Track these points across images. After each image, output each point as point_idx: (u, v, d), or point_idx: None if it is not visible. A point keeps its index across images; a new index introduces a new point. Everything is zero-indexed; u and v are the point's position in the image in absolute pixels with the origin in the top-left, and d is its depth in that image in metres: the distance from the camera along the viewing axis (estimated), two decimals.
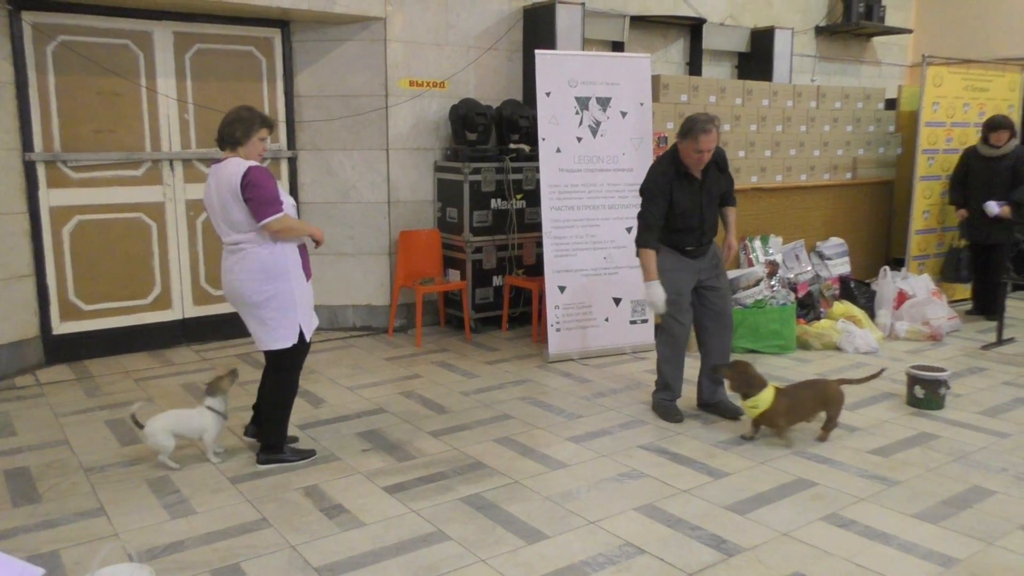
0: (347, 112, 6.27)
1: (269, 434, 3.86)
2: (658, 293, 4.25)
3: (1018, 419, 4.42)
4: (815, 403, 4.10)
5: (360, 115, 6.27)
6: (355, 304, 6.55)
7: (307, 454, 3.92)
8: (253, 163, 3.60)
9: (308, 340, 3.82)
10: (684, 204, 4.29)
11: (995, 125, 6.51)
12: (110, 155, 5.61)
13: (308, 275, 3.80)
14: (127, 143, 5.68)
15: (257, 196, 3.52)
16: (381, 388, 5.08)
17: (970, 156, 6.73)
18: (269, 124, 3.70)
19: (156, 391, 4.99)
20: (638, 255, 4.33)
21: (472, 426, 4.38)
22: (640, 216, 4.37)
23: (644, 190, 4.37)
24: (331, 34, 6.21)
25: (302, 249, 3.77)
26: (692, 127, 4.14)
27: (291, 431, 4.08)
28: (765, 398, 4.01)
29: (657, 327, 5.51)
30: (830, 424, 4.12)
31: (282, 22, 6.13)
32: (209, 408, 3.83)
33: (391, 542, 3.10)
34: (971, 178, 6.67)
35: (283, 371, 3.81)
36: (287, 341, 3.72)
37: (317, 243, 3.87)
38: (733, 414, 4.44)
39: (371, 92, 6.25)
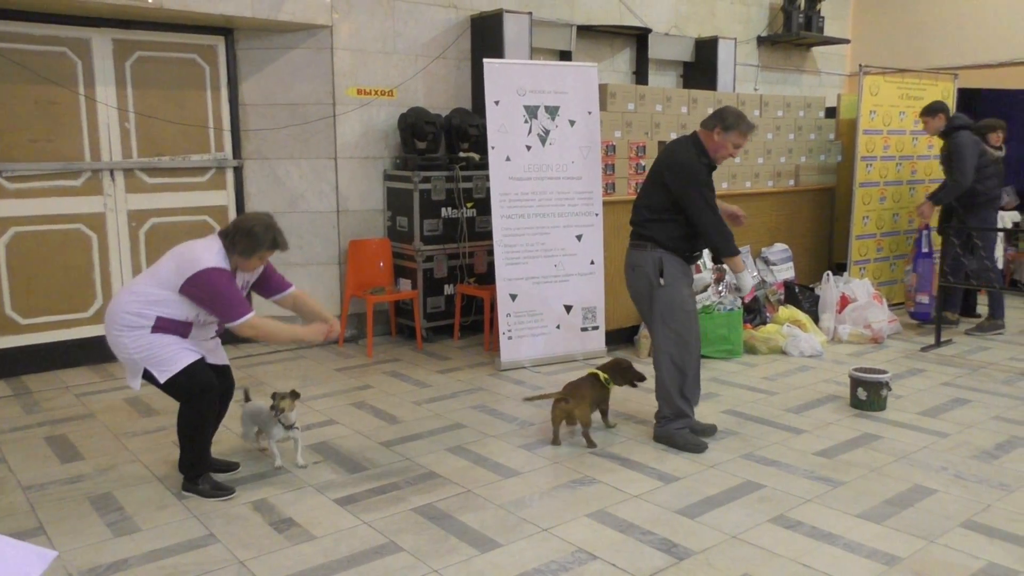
0: (294, 121, 6.21)
1: (182, 464, 3.64)
2: (749, 283, 4.16)
3: (956, 419, 4.55)
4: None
5: (307, 124, 6.21)
6: None
7: (225, 491, 3.59)
8: (216, 265, 3.36)
9: (206, 364, 3.56)
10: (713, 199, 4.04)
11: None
12: (48, 165, 5.46)
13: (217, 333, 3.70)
14: (65, 153, 5.53)
15: (218, 302, 3.37)
16: (331, 399, 5.02)
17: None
18: (278, 247, 3.46)
19: (98, 407, 4.86)
20: (721, 262, 4.05)
21: (424, 436, 4.35)
22: (705, 220, 3.95)
23: (691, 185, 3.95)
24: (276, 42, 6.14)
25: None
26: (738, 120, 3.93)
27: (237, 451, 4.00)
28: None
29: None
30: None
31: (226, 30, 6.04)
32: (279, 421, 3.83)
33: (342, 555, 3.06)
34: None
35: (183, 402, 3.55)
36: (172, 369, 3.45)
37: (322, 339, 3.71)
38: (704, 433, 4.25)
39: (318, 100, 6.20)
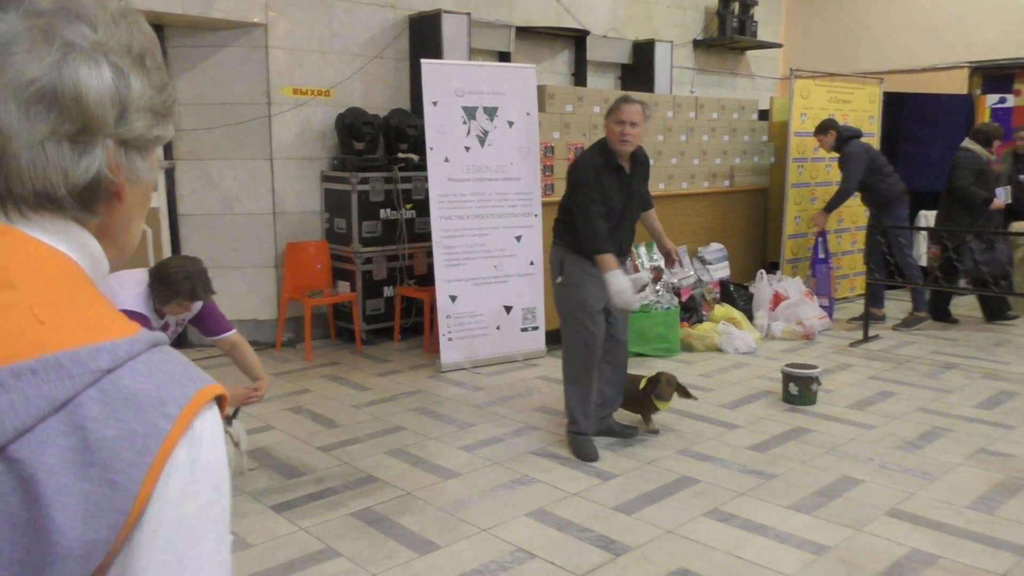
0: (228, 121, 6.10)
1: None
2: (622, 281, 3.89)
3: (883, 411, 4.71)
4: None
5: (242, 124, 6.11)
6: (240, 319, 6.35)
7: None
8: (127, 308, 3.20)
9: None
10: (612, 200, 3.96)
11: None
12: None
13: None
14: None
15: None
16: (268, 405, 4.94)
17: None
18: (198, 298, 3.33)
19: None
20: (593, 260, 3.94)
21: (363, 439, 4.32)
22: (581, 217, 3.92)
23: (573, 184, 4.02)
24: (209, 40, 6.02)
25: None
26: (616, 100, 3.98)
27: None
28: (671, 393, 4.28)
29: (555, 335, 5.56)
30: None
31: (156, 26, 5.88)
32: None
33: (278, 562, 3.02)
34: None
35: None
36: None
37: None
38: (626, 435, 4.29)
39: (253, 100, 6.10)
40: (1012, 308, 7.12)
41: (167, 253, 6.16)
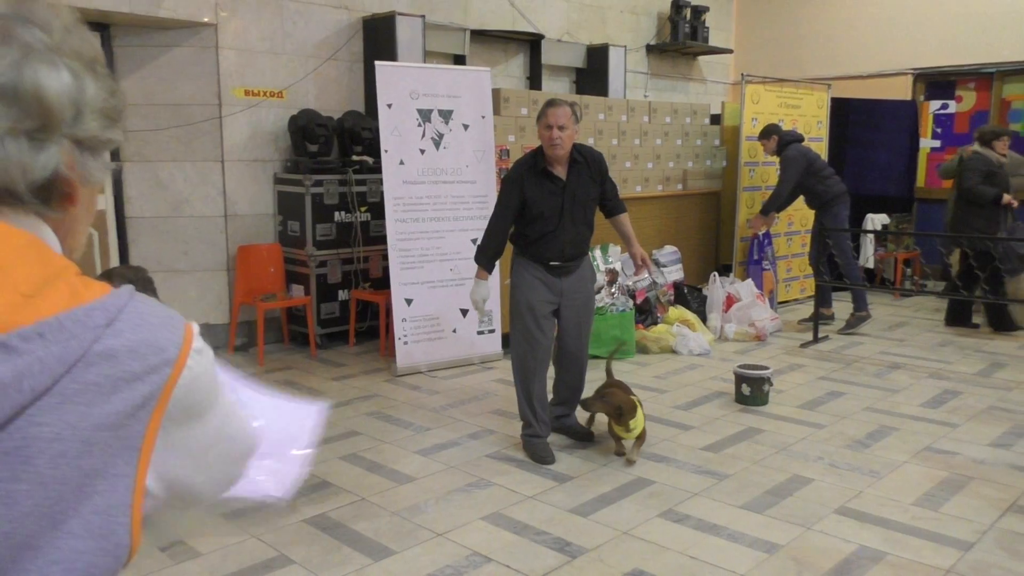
0: (177, 122, 5.98)
1: None
2: (483, 291, 4.01)
3: (832, 411, 4.80)
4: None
5: (191, 125, 6.00)
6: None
7: None
8: None
9: None
10: (540, 205, 3.90)
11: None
12: None
13: None
14: None
15: None
16: None
17: None
18: None
19: None
20: (543, 264, 4.01)
21: (317, 445, 4.25)
22: (489, 224, 4.06)
23: (500, 191, 4.09)
24: (157, 39, 5.90)
25: None
26: (543, 106, 3.90)
27: None
28: (639, 420, 3.93)
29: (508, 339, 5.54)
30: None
31: (101, 25, 5.77)
32: None
33: (229, 571, 2.97)
34: None
35: None
36: None
37: None
38: (583, 436, 4.28)
39: (203, 101, 5.99)
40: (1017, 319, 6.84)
41: (114, 256, 6.02)
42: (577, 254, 4.08)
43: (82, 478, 0.68)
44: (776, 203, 6.97)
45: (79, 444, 0.67)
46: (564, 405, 4.33)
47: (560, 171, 3.97)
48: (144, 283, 3.18)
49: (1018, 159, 7.13)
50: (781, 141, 6.90)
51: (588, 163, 4.01)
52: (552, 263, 4.00)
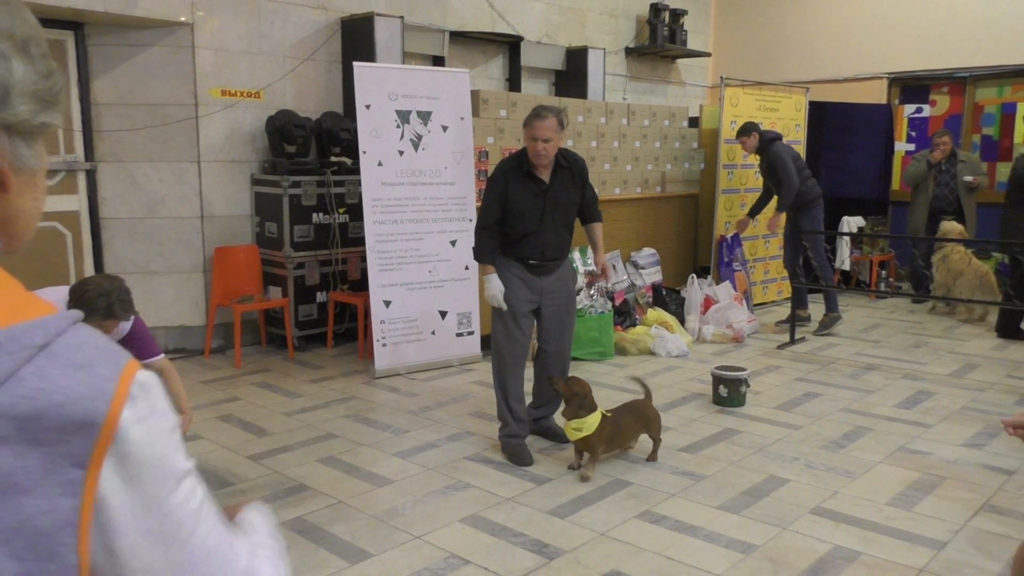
0: (153, 122, 5.93)
1: None
2: (497, 284, 3.98)
3: (808, 412, 4.84)
4: (636, 427, 4.00)
5: (167, 125, 5.94)
6: (167, 326, 6.18)
7: None
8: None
9: None
10: (521, 205, 3.95)
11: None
12: None
13: None
14: None
15: None
16: (196, 413, 4.80)
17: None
18: (114, 317, 3.11)
19: None
20: (523, 262, 4.07)
21: (294, 448, 4.24)
22: (477, 222, 4.12)
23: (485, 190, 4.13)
24: (132, 38, 5.85)
25: None
26: (529, 114, 3.92)
27: None
28: (591, 423, 3.77)
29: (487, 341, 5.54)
30: (657, 445, 4.05)
31: (75, 24, 5.70)
32: None
33: None
34: None
35: None
36: None
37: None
38: (562, 438, 4.21)
39: (179, 101, 5.94)
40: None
41: (88, 258, 5.96)
42: (557, 255, 4.12)
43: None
44: (792, 195, 6.73)
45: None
46: (545, 407, 4.35)
47: (544, 174, 4.02)
48: (118, 292, 3.14)
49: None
50: (762, 139, 6.90)
51: (572, 168, 4.06)
52: (531, 262, 4.05)
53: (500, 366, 4.12)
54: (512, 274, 4.05)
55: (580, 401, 3.80)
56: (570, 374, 4.18)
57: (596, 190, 6.94)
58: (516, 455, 4.04)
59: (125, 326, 3.38)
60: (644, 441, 4.13)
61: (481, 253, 4.07)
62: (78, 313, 0.73)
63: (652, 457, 4.03)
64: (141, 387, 0.72)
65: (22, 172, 0.75)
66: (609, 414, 3.89)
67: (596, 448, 3.83)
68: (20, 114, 0.72)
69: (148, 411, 0.73)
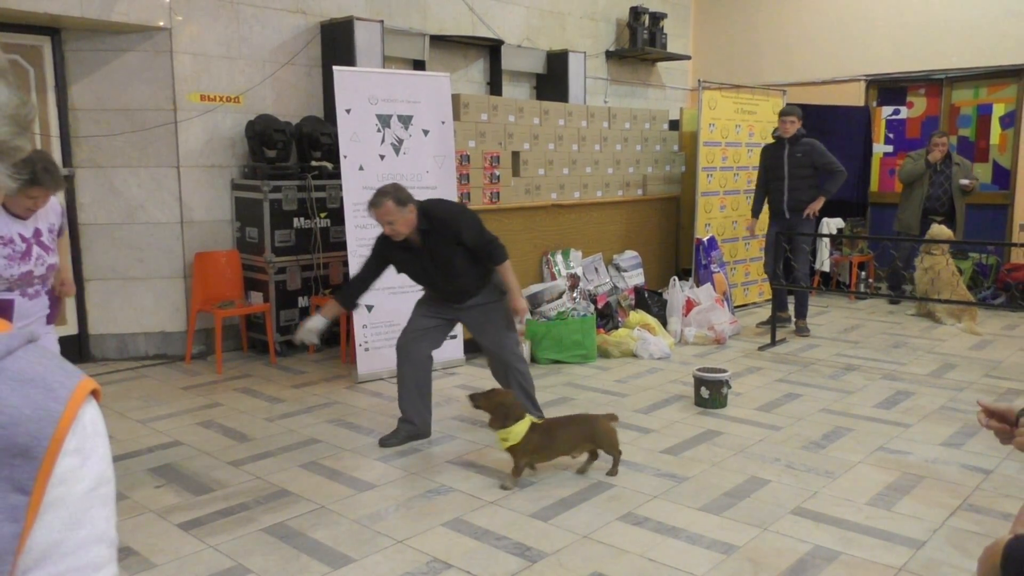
0: (131, 127, 5.89)
1: None
2: (313, 322, 4.17)
3: (789, 413, 4.87)
4: (576, 440, 3.85)
5: (146, 130, 5.91)
6: (147, 332, 6.14)
7: None
8: None
9: None
10: (404, 267, 4.25)
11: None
12: None
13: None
14: None
15: None
16: (177, 419, 4.78)
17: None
18: (38, 184, 3.09)
19: None
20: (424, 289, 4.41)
21: (276, 453, 4.22)
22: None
23: None
24: (109, 43, 5.80)
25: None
26: (368, 201, 4.08)
27: None
28: (517, 431, 3.70)
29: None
30: (616, 460, 3.91)
31: (52, 29, 5.66)
32: None
33: None
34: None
35: None
36: None
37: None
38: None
39: (157, 106, 5.90)
40: None
41: (66, 264, 5.89)
42: (462, 298, 4.29)
43: None
44: (842, 180, 6.76)
45: None
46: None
47: (414, 240, 4.14)
48: (47, 163, 3.15)
49: None
50: (801, 131, 6.81)
51: (436, 229, 4.10)
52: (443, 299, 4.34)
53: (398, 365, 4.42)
54: (422, 296, 4.42)
55: (505, 411, 3.73)
56: (555, 379, 4.20)
57: (578, 193, 7.01)
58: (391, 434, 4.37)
59: (55, 202, 3.38)
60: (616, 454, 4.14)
61: (338, 292, 4.44)
62: (32, 333, 0.72)
63: (611, 471, 3.88)
64: (81, 427, 0.71)
65: None
66: (541, 423, 3.83)
67: (518, 457, 3.75)
68: (1, 135, 0.75)
69: (82, 446, 0.71)
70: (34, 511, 0.66)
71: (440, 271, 4.19)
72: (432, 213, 4.13)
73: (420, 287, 4.49)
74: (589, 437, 3.87)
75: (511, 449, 3.75)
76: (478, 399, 3.85)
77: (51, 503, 0.68)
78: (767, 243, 7.16)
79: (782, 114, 6.94)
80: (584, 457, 3.96)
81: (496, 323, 4.33)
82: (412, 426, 4.40)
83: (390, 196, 3.99)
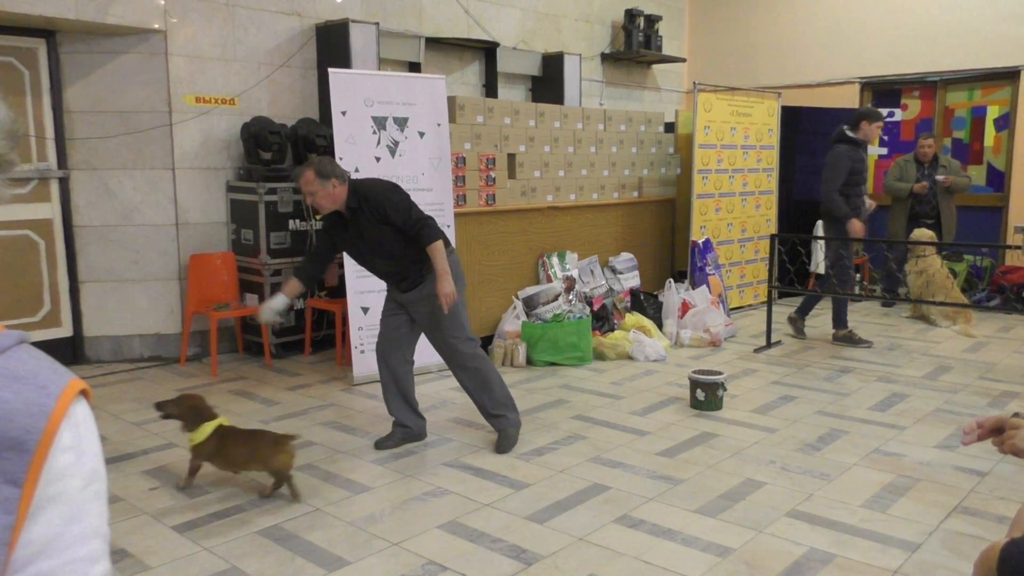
0: (126, 129, 5.88)
1: None
2: (271, 302, 4.16)
3: (784, 415, 4.88)
4: (246, 459, 3.67)
5: (141, 132, 5.90)
6: (142, 334, 6.13)
7: None
8: None
9: None
10: (341, 243, 4.27)
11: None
12: None
13: None
14: None
15: None
16: (171, 422, 4.76)
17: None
18: None
19: None
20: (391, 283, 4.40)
21: None
22: None
23: None
24: (104, 46, 5.80)
25: None
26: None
27: None
28: (203, 431, 3.64)
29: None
30: (276, 484, 3.68)
31: (47, 32, 5.65)
32: None
33: None
34: None
35: None
36: None
37: None
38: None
39: (152, 108, 5.90)
40: None
41: (62, 266, 5.89)
42: (396, 280, 4.25)
43: None
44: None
45: None
46: (480, 408, 4.42)
47: (347, 217, 4.15)
48: None
49: None
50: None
51: (363, 206, 4.07)
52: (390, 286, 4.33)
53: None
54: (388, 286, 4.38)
55: (196, 413, 3.71)
56: (542, 382, 4.19)
57: (573, 195, 7.00)
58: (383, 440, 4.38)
59: None
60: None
61: (295, 270, 4.47)
62: (25, 334, 0.75)
63: (266, 492, 3.69)
64: (74, 424, 0.73)
65: None
66: (227, 427, 3.74)
67: (194, 458, 3.71)
68: (1, 148, 0.79)
69: (77, 443, 0.73)
70: (26, 504, 0.68)
71: (372, 251, 4.15)
72: (360, 191, 4.10)
73: None
74: (258, 459, 3.66)
75: (192, 448, 3.69)
76: (166, 406, 3.74)
77: (51, 498, 0.70)
78: (826, 251, 6.88)
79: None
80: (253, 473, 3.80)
81: (440, 319, 4.20)
82: (406, 429, 4.39)
83: (313, 167, 4.01)
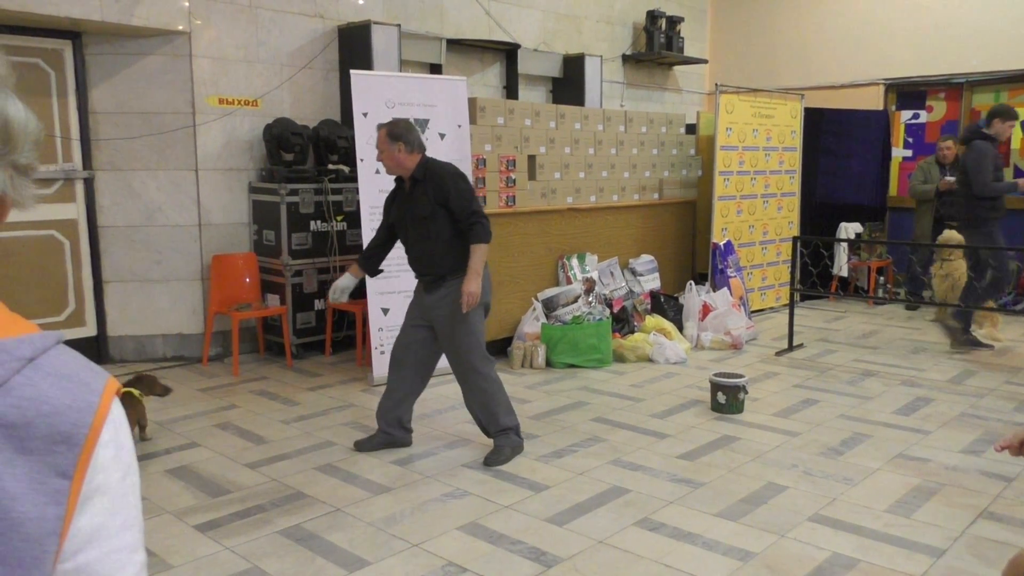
0: (150, 130, 5.93)
1: None
2: (340, 282, 4.33)
3: (806, 418, 4.83)
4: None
5: (165, 133, 5.95)
6: (165, 333, 6.18)
7: None
8: None
9: None
10: (394, 215, 4.24)
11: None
12: None
13: None
14: None
15: None
16: (194, 421, 4.81)
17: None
18: None
19: None
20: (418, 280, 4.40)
21: (292, 455, 4.23)
22: None
23: None
24: (129, 47, 5.86)
25: None
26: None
27: None
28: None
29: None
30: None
31: (73, 33, 5.71)
32: None
33: None
34: None
35: None
36: None
37: None
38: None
39: (176, 109, 5.95)
40: None
41: (86, 266, 5.96)
42: (427, 272, 4.14)
43: None
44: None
45: None
46: (481, 428, 4.31)
47: (407, 183, 4.17)
48: None
49: None
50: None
51: (427, 181, 4.06)
52: (417, 277, 4.27)
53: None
54: (415, 290, 4.34)
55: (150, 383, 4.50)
56: (564, 384, 4.18)
57: (594, 197, 6.99)
58: (365, 444, 4.34)
59: None
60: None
61: (361, 254, 4.49)
62: (60, 334, 0.78)
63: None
64: (112, 420, 0.78)
65: (19, 205, 0.83)
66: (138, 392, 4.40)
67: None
68: (29, 156, 0.82)
69: (115, 438, 0.78)
70: (75, 496, 0.73)
71: (417, 228, 4.09)
72: (430, 166, 4.10)
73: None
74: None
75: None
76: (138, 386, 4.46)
77: (95, 490, 0.75)
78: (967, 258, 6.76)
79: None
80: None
81: (456, 339, 4.12)
82: (388, 436, 4.33)
83: (387, 127, 4.08)
